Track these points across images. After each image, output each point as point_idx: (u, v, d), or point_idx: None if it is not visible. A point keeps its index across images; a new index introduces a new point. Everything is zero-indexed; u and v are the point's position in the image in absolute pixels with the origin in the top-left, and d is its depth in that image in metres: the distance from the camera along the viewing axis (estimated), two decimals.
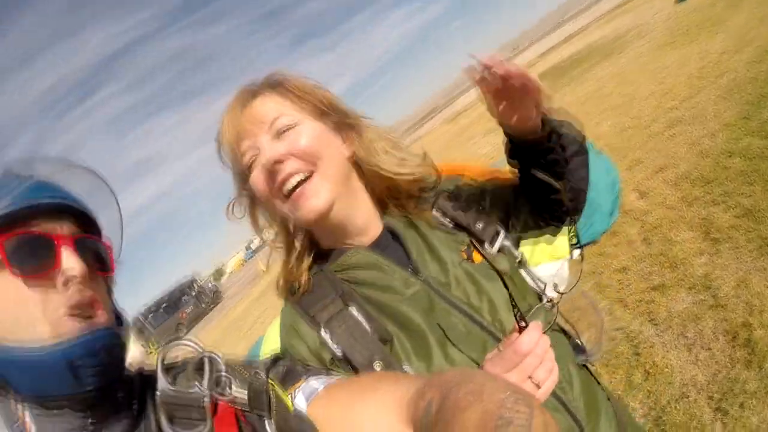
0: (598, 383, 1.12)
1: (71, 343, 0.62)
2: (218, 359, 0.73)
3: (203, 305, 26.74)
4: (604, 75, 11.77)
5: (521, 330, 0.87)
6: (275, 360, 0.81)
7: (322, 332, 0.97)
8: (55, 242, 0.65)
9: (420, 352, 0.95)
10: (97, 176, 0.76)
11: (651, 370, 2.66)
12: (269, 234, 1.12)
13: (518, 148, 1.03)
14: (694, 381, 2.45)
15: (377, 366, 0.90)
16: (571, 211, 1.08)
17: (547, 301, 1.09)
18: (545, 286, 1.12)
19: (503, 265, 1.04)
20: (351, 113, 1.05)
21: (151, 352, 20.36)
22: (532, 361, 0.81)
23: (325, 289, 1.03)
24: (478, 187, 1.13)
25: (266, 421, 0.69)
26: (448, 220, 1.08)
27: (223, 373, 0.71)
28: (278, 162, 0.94)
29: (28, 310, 0.62)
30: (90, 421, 0.65)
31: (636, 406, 2.51)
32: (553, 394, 0.93)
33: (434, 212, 1.08)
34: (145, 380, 0.74)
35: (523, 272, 1.10)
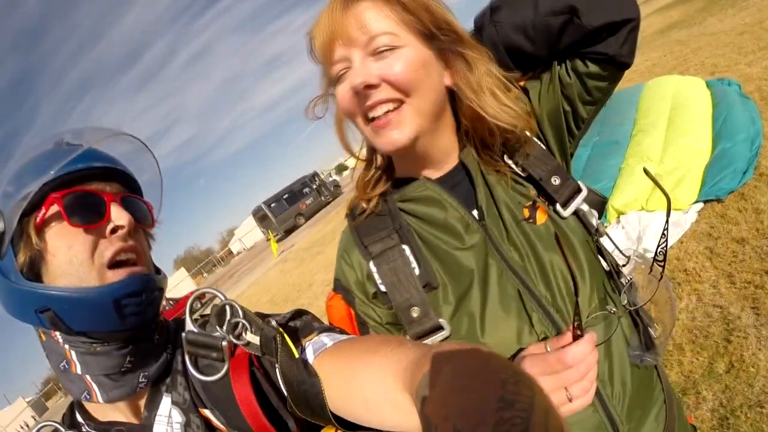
0: (660, 380, 1.02)
1: (116, 284, 0.72)
2: (237, 307, 0.79)
3: (323, 198, 28.23)
4: None
5: (575, 336, 0.79)
6: (294, 315, 0.86)
7: (371, 264, 0.97)
8: (106, 199, 0.75)
9: (462, 308, 0.93)
10: (142, 143, 0.86)
11: (736, 364, 2.36)
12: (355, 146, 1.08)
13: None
14: None
15: (414, 312, 0.91)
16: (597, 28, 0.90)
17: (625, 283, 1.00)
18: (627, 260, 1.03)
19: (573, 233, 0.96)
20: (465, 39, 0.93)
21: (269, 239, 22.78)
22: (573, 375, 0.74)
23: (385, 219, 1.01)
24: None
25: (276, 367, 0.74)
26: (520, 168, 0.99)
27: (241, 320, 0.77)
28: (369, 87, 0.87)
29: (81, 255, 0.72)
30: (128, 359, 0.75)
31: (708, 396, 2.28)
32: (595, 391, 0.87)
33: (506, 159, 0.99)
34: (179, 327, 0.84)
35: (598, 243, 1.00)
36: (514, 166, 0.99)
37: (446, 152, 1.00)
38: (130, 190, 0.83)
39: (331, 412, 0.69)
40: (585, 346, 0.76)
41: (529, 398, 0.37)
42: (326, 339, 0.78)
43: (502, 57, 0.97)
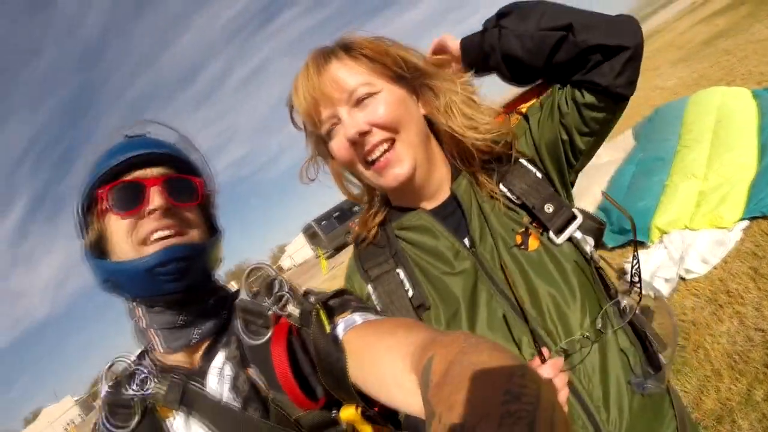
0: (673, 407, 1.03)
1: (146, 257, 0.82)
2: (284, 282, 0.92)
3: None
4: None
5: (541, 359, 0.86)
6: (336, 294, 0.94)
7: (369, 287, 1.07)
8: (146, 184, 0.85)
9: (450, 328, 0.99)
10: (177, 131, 0.97)
11: None
12: (355, 190, 1.18)
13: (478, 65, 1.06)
14: None
15: None
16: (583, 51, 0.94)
17: (623, 306, 1.02)
18: (631, 285, 1.04)
19: (565, 259, 1.00)
20: (427, 70, 1.02)
21: (319, 256, 23.14)
22: None
23: (383, 246, 1.10)
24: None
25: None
26: (515, 196, 1.03)
27: (286, 293, 0.89)
28: (363, 134, 0.96)
29: (123, 235, 0.84)
30: (181, 317, 0.88)
31: (744, 425, 2.21)
32: (587, 412, 0.93)
33: (501, 186, 1.04)
34: (236, 295, 0.96)
35: (593, 269, 1.03)
36: (508, 193, 1.04)
37: (439, 183, 1.07)
38: (177, 171, 0.91)
39: (353, 386, 0.75)
40: (546, 370, 0.82)
41: (536, 392, 0.37)
42: (358, 317, 0.84)
43: (497, 63, 1.04)
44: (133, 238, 0.84)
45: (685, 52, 11.07)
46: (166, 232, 0.85)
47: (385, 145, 0.98)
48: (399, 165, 0.98)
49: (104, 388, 0.89)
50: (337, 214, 26.85)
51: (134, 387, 0.87)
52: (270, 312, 0.88)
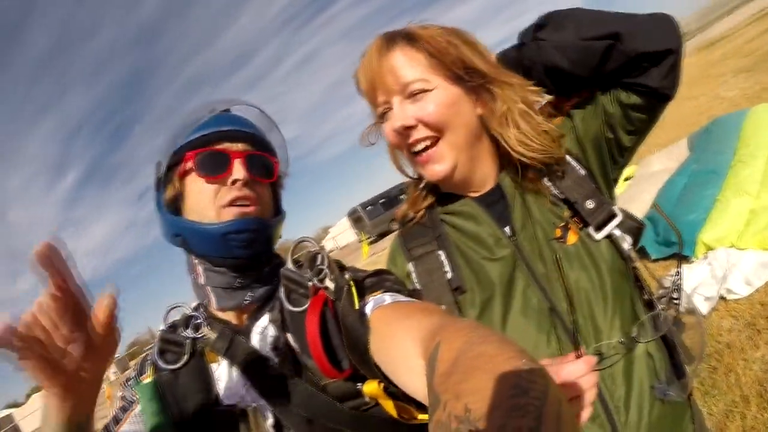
0: (693, 421, 1.03)
1: (227, 222, 0.90)
2: (325, 257, 0.98)
3: None
4: None
5: (576, 356, 0.83)
6: (374, 273, 0.98)
7: (410, 265, 1.12)
8: (231, 156, 0.93)
9: (485, 313, 1.02)
10: (264, 113, 1.05)
11: None
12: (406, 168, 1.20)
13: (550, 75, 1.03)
14: None
15: None
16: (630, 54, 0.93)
17: (659, 317, 1.01)
18: (668, 292, 1.06)
19: (602, 256, 1.01)
20: (489, 73, 1.02)
21: (362, 240, 23.22)
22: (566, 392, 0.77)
23: (427, 228, 1.14)
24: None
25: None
26: (558, 191, 1.05)
27: (325, 268, 0.96)
28: (409, 128, 1.00)
29: (205, 199, 0.92)
30: (239, 280, 0.95)
31: None
32: (606, 411, 0.94)
33: (545, 181, 1.06)
34: (283, 264, 1.02)
35: (630, 269, 1.04)
36: (552, 187, 1.05)
37: (484, 176, 1.10)
38: (257, 149, 0.98)
39: (374, 363, 0.78)
40: (579, 366, 0.79)
41: (544, 387, 0.38)
42: (388, 297, 0.86)
43: (540, 76, 1.03)
44: (215, 202, 0.91)
45: (751, 61, 10.55)
46: (245, 202, 0.93)
47: (428, 142, 1.01)
48: (439, 163, 1.02)
49: (162, 326, 0.97)
50: (383, 200, 26.92)
51: (189, 331, 0.94)
52: (310, 283, 0.93)
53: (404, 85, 0.99)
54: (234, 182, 0.92)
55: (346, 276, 0.94)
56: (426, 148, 1.01)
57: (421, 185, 1.19)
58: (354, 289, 0.89)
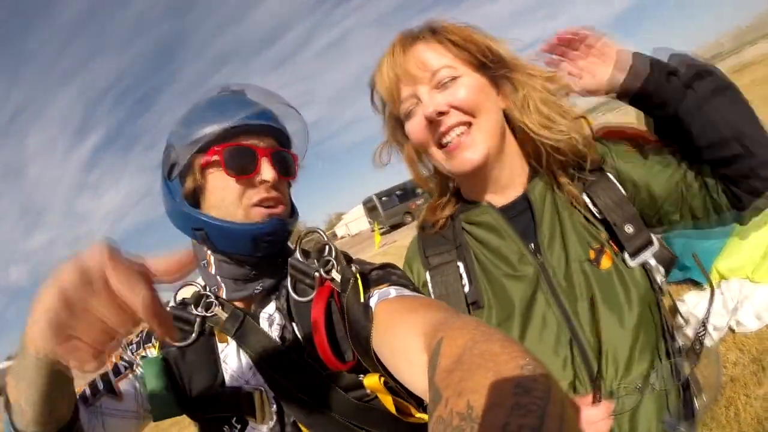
0: None
1: (257, 224, 0.89)
2: (333, 248, 0.96)
3: None
4: None
5: (595, 400, 0.83)
6: (381, 267, 0.98)
7: (427, 274, 1.08)
8: (258, 153, 0.90)
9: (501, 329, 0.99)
10: (290, 105, 1.01)
11: None
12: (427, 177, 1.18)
13: (639, 101, 0.97)
14: None
15: None
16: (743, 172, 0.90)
17: (679, 358, 0.98)
18: (699, 324, 1.03)
19: (635, 285, 0.96)
20: (510, 62, 1.01)
21: (374, 230, 23.24)
22: None
23: (448, 237, 1.10)
24: (641, 160, 1.01)
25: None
26: (597, 209, 1.01)
27: (332, 259, 0.94)
28: (441, 113, 0.97)
29: (231, 196, 0.90)
30: (252, 272, 0.95)
31: None
32: None
33: (584, 196, 1.02)
34: (291, 253, 1.01)
35: (658, 300, 0.99)
36: (590, 204, 1.01)
37: (511, 179, 1.06)
38: (281, 144, 0.97)
39: (375, 356, 0.78)
40: (598, 412, 0.80)
41: (546, 386, 0.37)
42: (393, 290, 0.86)
43: (659, 116, 0.97)
44: (242, 200, 0.90)
45: None
46: (272, 203, 0.92)
47: (461, 128, 0.98)
48: (472, 149, 0.98)
49: (171, 302, 0.97)
50: (399, 192, 26.77)
51: (200, 309, 0.94)
52: (316, 274, 0.92)
53: (432, 74, 0.98)
54: (262, 182, 0.91)
55: (353, 268, 0.93)
56: (458, 136, 0.98)
57: (444, 192, 1.17)
58: (360, 282, 0.88)
